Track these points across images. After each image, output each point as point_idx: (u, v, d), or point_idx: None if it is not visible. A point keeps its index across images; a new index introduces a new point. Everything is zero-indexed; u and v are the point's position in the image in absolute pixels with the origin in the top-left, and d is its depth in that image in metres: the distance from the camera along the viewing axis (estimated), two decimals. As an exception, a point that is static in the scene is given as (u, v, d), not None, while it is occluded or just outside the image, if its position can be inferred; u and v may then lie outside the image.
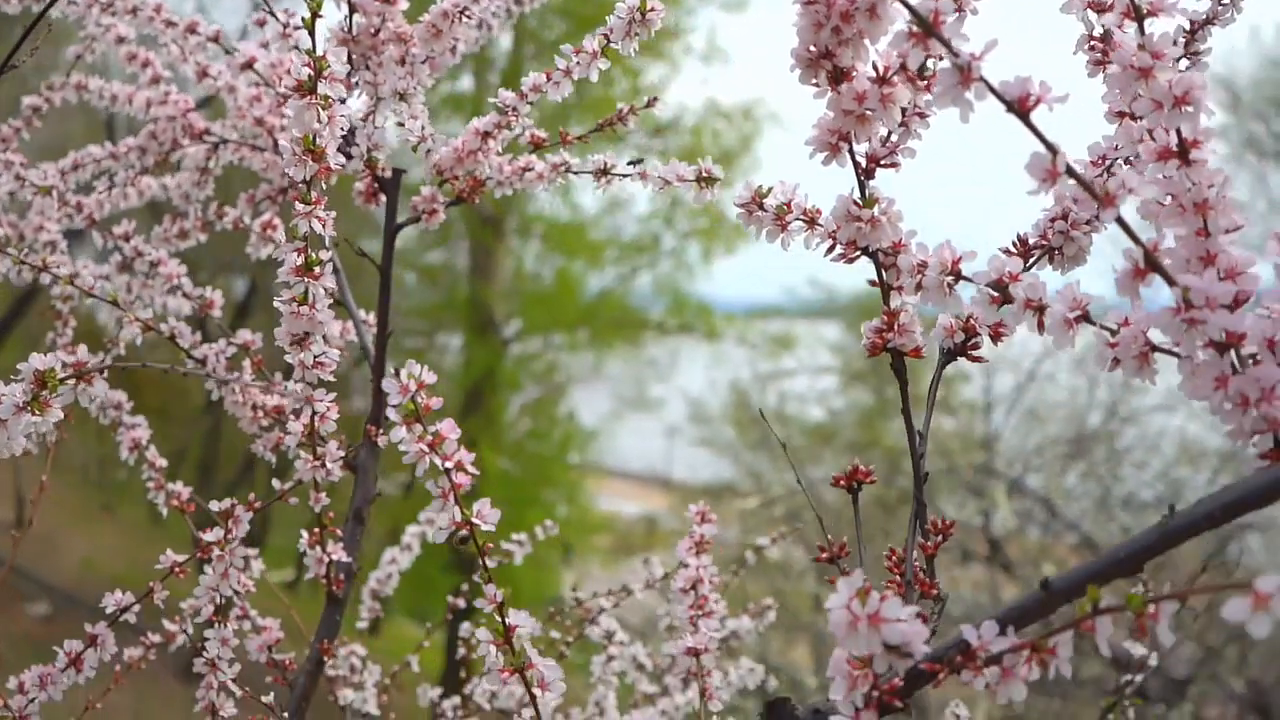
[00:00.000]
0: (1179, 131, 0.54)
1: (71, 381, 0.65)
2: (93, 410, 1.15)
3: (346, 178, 1.07)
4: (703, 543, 0.98)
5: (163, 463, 1.11)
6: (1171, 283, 0.52)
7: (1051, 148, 0.51)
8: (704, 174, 0.84)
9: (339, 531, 0.97)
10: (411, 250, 12.35)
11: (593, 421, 12.24)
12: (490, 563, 0.66)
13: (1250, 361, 0.52)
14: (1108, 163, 0.69)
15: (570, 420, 12.02)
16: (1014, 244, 0.69)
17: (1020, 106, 0.51)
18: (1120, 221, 0.52)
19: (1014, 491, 5.99)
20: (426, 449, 0.62)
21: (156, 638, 1.14)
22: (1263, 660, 6.05)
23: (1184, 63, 0.73)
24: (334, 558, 0.98)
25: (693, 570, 0.96)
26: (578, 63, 0.90)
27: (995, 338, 0.68)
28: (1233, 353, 0.53)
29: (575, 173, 0.99)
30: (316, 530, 0.97)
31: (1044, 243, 0.69)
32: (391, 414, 0.62)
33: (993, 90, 0.51)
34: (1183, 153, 0.54)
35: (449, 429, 0.63)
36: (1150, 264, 0.52)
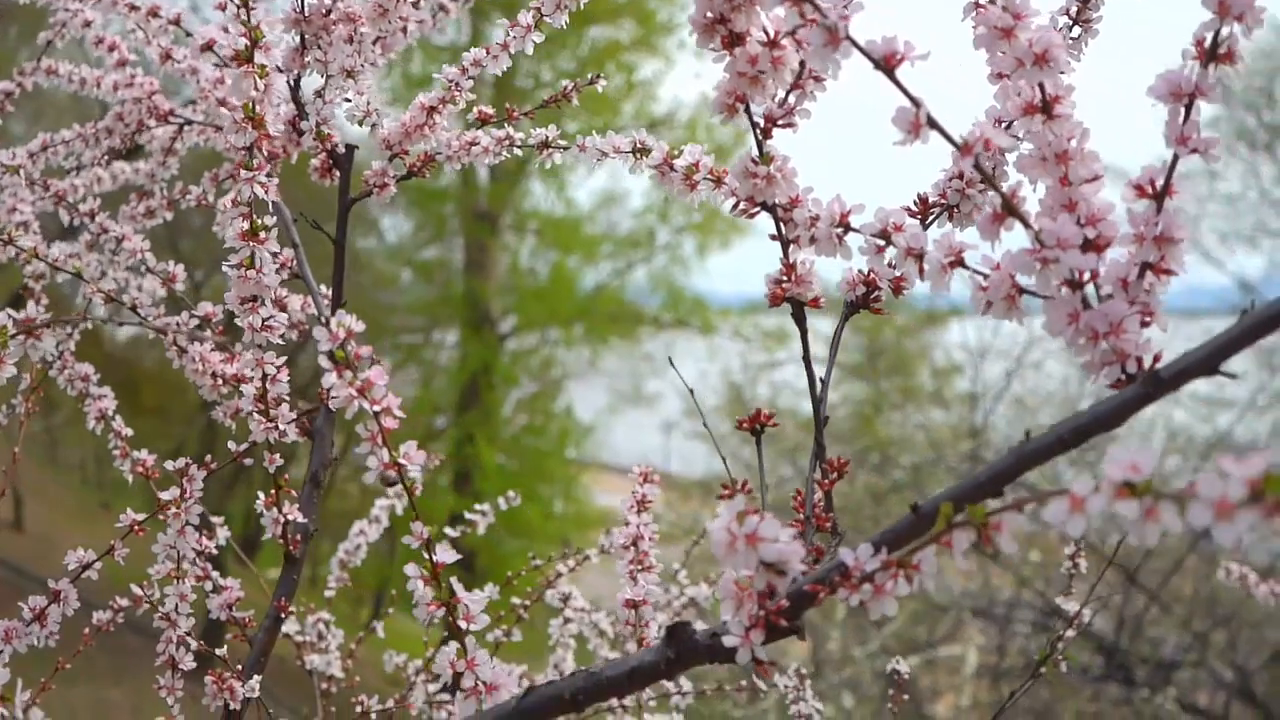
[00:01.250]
0: (1041, 87, 0.58)
1: (21, 336, 0.69)
2: (61, 382, 1.19)
3: (306, 157, 1.11)
4: (644, 501, 1.03)
5: (128, 431, 1.14)
6: (1027, 225, 0.56)
7: (915, 101, 0.55)
8: (639, 145, 0.88)
9: (294, 493, 1.01)
10: (407, 247, 12.39)
11: (589, 416, 12.29)
12: (415, 507, 0.70)
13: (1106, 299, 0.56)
14: (1004, 124, 0.73)
15: (567, 415, 12.06)
16: (914, 202, 0.73)
17: (887, 64, 0.55)
18: (979, 169, 0.56)
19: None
20: (356, 393, 0.66)
21: (124, 601, 1.17)
22: (1249, 646, 6.10)
23: (1076, 29, 0.77)
24: (290, 519, 1.02)
25: (633, 528, 1.01)
26: (514, 37, 0.94)
27: (896, 291, 0.72)
28: (1092, 291, 0.57)
29: (520, 146, 1.03)
30: (273, 492, 1.01)
31: (942, 201, 0.73)
32: (322, 361, 0.66)
33: (859, 48, 0.55)
34: (1045, 107, 0.58)
35: (377, 375, 0.67)
36: (1008, 209, 0.56)
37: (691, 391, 0.95)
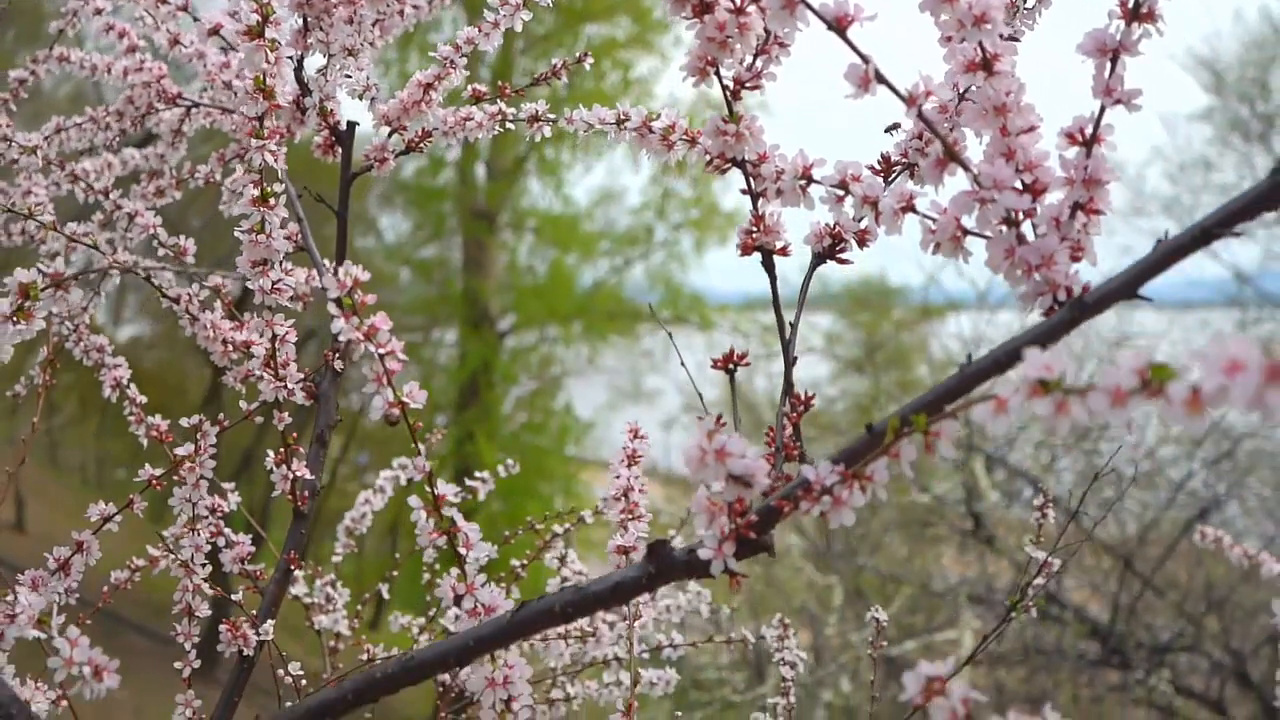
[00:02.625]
0: (982, 46, 0.64)
1: (51, 290, 0.75)
2: (77, 353, 1.25)
3: (308, 140, 1.17)
4: (634, 456, 1.08)
5: (143, 399, 1.20)
6: (967, 169, 0.62)
7: (864, 58, 0.61)
8: (620, 116, 0.94)
9: (301, 449, 1.07)
10: (405, 246, 12.44)
11: (588, 414, 12.34)
12: (418, 444, 0.76)
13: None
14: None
15: (566, 413, 12.11)
16: (878, 160, 0.79)
17: (839, 25, 0.61)
18: (923, 118, 0.62)
19: (996, 467, 6.09)
20: (362, 337, 0.72)
21: (140, 561, 1.23)
22: (1243, 630, 6.16)
23: (1031, 0, 0.83)
24: (298, 475, 1.08)
25: (623, 480, 1.06)
26: (504, 15, 1.00)
27: (861, 243, 0.78)
28: (1029, 229, 0.63)
29: (512, 120, 1.09)
30: (282, 450, 1.07)
31: (904, 159, 0.79)
32: (331, 308, 0.72)
33: (814, 11, 0.61)
34: (986, 64, 0.64)
35: (382, 321, 0.73)
36: (949, 154, 0.62)
37: (696, 387, 1.00)
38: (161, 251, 1.20)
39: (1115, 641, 6.05)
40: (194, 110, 1.30)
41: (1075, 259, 0.62)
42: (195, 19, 1.18)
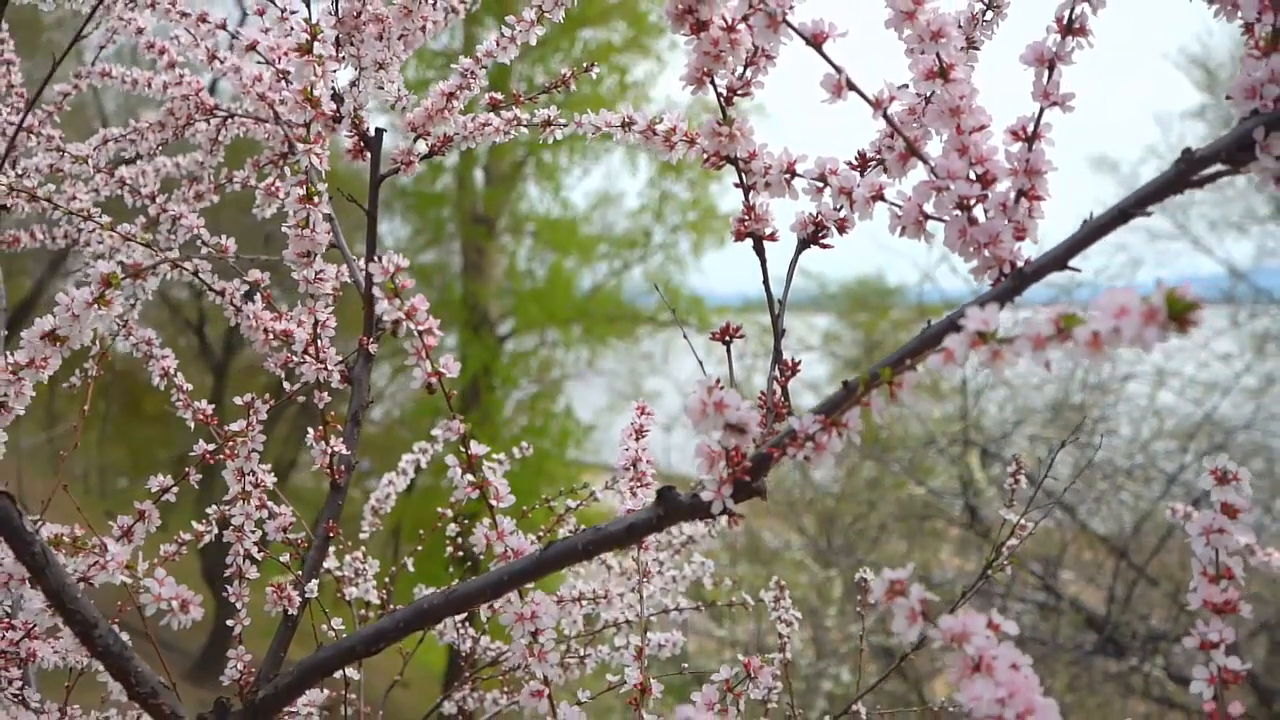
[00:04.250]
0: (939, 57, 0.74)
1: (130, 279, 0.86)
2: (126, 346, 1.35)
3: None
4: (641, 430, 1.19)
5: (188, 386, 1.31)
6: (925, 162, 0.72)
7: (838, 69, 0.72)
8: (626, 120, 1.04)
9: (339, 427, 1.17)
10: (405, 251, 12.55)
11: (589, 416, 12.44)
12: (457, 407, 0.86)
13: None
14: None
15: (567, 415, 12.21)
16: (855, 157, 0.90)
17: (816, 40, 0.72)
18: (887, 119, 0.73)
19: (991, 462, 6.20)
20: (404, 316, 0.83)
21: (187, 536, 1.34)
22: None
23: (989, 13, 0.93)
24: (336, 450, 1.19)
25: (633, 452, 1.17)
26: (519, 30, 1.11)
27: (840, 229, 0.88)
28: (980, 213, 0.74)
29: (526, 125, 1.19)
30: (321, 427, 1.18)
31: (877, 156, 0.89)
32: (376, 290, 0.82)
33: (794, 29, 0.71)
34: (943, 73, 0.75)
35: (421, 302, 0.84)
36: (911, 151, 0.73)
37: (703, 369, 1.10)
38: (204, 250, 1.31)
39: (1111, 631, 6.16)
40: (229, 121, 1.41)
41: (1019, 238, 0.72)
42: (234, 36, 1.29)
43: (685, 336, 1.22)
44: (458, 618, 1.56)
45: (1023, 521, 1.32)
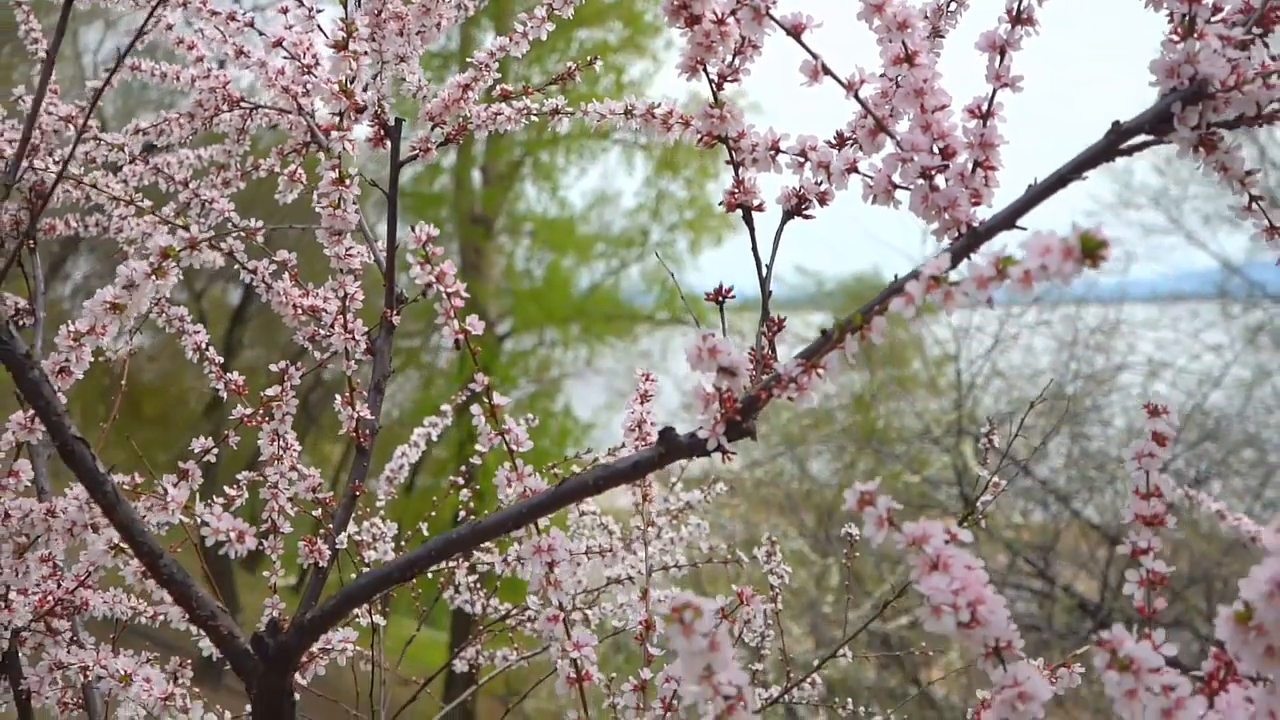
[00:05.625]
0: (904, 44, 0.84)
1: (188, 250, 0.96)
2: (160, 323, 1.45)
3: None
4: (645, 395, 1.29)
5: (220, 359, 1.41)
6: (892, 137, 0.82)
7: (814, 55, 0.82)
8: (629, 108, 1.14)
9: (364, 392, 1.27)
10: (403, 253, 12.65)
11: (588, 415, 12.54)
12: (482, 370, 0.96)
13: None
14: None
15: (566, 415, 12.31)
16: (835, 135, 1.00)
17: (795, 30, 0.82)
18: (859, 100, 0.83)
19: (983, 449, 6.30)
20: (434, 280, 0.93)
21: (220, 500, 1.43)
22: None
23: (953, 4, 1.03)
24: (361, 415, 1.29)
25: (637, 414, 1.27)
26: (531, 26, 1.21)
27: (821, 201, 0.98)
28: (942, 181, 0.84)
29: (535, 115, 1.30)
30: (349, 394, 1.28)
31: (853, 134, 0.99)
32: (409, 257, 0.92)
33: (776, 21, 0.82)
34: (909, 58, 0.85)
35: (449, 267, 0.94)
36: (879, 127, 0.83)
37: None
38: (234, 234, 1.41)
39: (1104, 617, 6.27)
40: (255, 112, 1.51)
41: (975, 203, 0.82)
42: (261, 34, 1.39)
43: (697, 323, 1.32)
44: (472, 578, 1.66)
45: (995, 480, 1.42)
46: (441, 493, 1.91)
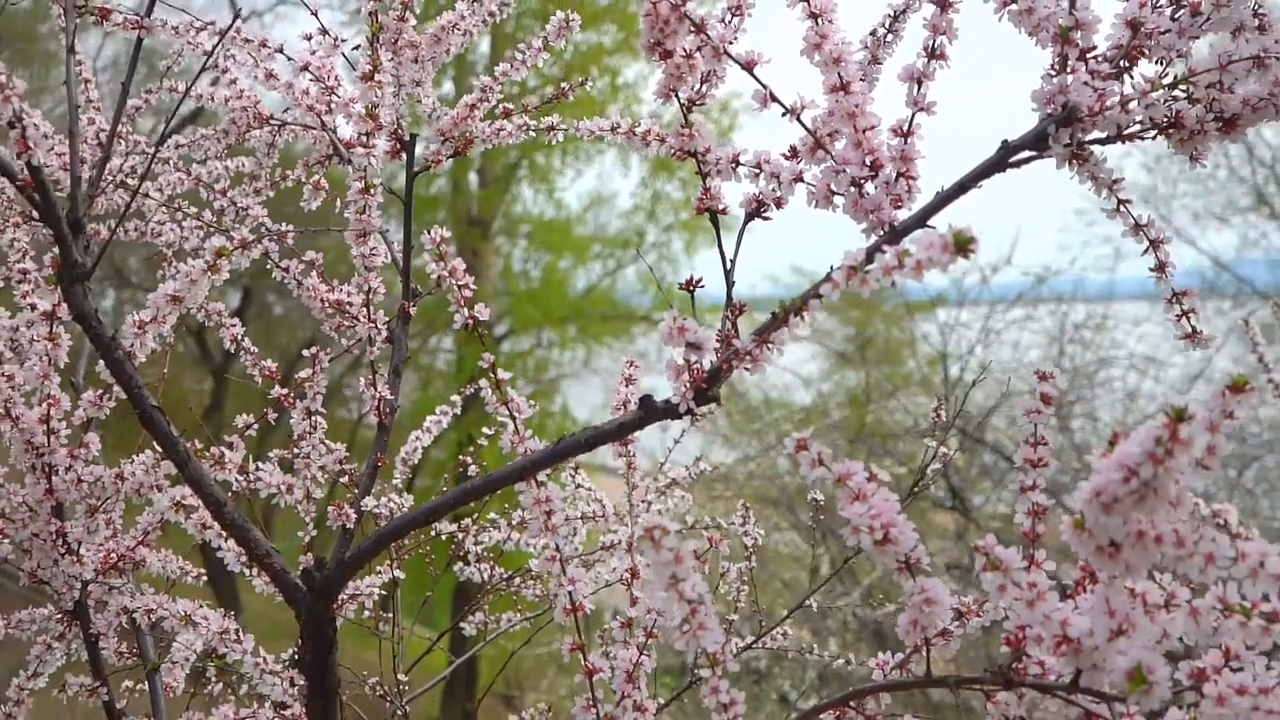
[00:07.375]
0: (840, 75, 1.02)
1: (240, 250, 1.13)
2: (200, 317, 1.63)
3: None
4: (630, 379, 1.47)
5: (255, 350, 1.58)
6: (829, 153, 1.00)
7: (764, 85, 1.00)
8: (614, 126, 1.32)
9: (385, 373, 1.45)
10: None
11: (586, 416, 12.70)
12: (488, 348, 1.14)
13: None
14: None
15: (563, 415, 12.47)
16: (789, 149, 1.17)
17: (748, 65, 1.00)
18: (800, 122, 1.00)
19: (969, 442, 6.49)
20: (447, 274, 1.11)
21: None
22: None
23: (890, 36, 1.21)
24: (383, 396, 1.46)
25: (623, 395, 1.45)
26: (530, 54, 1.39)
27: (777, 205, 1.16)
28: (870, 188, 1.01)
29: (534, 130, 1.47)
30: (371, 376, 1.46)
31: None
32: (426, 255, 1.10)
33: (733, 59, 0.99)
34: (844, 86, 1.02)
35: (459, 263, 1.12)
36: (817, 144, 1.01)
37: None
38: (267, 236, 1.59)
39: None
40: (283, 128, 1.69)
41: (897, 207, 1.00)
42: (289, 59, 1.57)
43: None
44: (481, 546, 1.84)
45: (945, 450, 1.59)
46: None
